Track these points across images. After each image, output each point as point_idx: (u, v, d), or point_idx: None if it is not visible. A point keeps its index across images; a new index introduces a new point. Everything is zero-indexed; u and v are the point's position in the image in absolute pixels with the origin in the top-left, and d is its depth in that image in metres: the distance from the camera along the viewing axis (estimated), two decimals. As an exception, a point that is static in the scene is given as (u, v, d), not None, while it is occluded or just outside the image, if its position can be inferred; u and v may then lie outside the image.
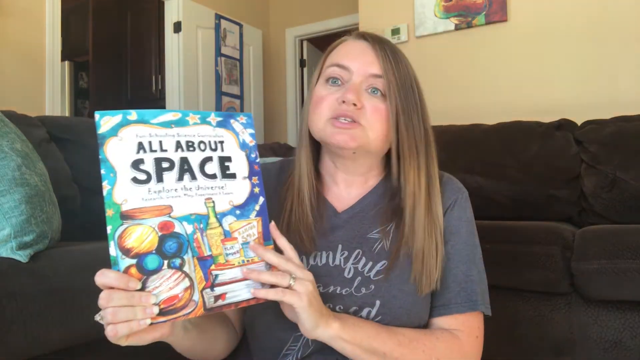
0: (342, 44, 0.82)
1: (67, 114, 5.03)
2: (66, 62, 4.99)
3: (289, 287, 0.61)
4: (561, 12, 2.55)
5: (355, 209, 0.82)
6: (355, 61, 0.77)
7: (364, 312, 0.73)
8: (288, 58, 4.73)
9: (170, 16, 3.77)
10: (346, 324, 0.67)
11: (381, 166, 0.85)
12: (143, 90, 4.63)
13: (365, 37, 0.80)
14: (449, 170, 0.87)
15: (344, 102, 0.73)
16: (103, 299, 0.53)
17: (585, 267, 1.32)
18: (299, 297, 0.60)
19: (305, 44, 4.79)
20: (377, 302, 0.73)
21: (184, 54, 3.72)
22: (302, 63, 4.77)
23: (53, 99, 2.95)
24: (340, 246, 0.78)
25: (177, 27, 3.73)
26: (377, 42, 0.78)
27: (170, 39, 3.77)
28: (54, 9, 2.96)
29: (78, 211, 1.50)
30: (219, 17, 4.01)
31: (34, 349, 0.92)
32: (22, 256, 0.95)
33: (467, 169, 1.93)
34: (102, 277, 0.53)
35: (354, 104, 0.73)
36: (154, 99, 4.55)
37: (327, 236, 0.79)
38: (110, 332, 0.53)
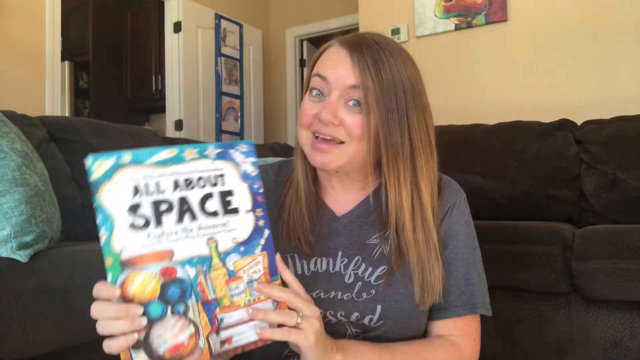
0: (327, 51, 0.78)
1: (67, 114, 5.02)
2: (66, 62, 4.98)
3: (296, 326, 0.60)
4: (561, 12, 2.55)
5: (354, 214, 0.81)
6: (334, 71, 0.73)
7: (366, 320, 0.73)
8: (288, 58, 4.73)
9: (170, 16, 3.77)
10: (348, 354, 0.66)
11: (378, 171, 0.81)
12: (143, 90, 4.64)
13: (348, 43, 0.76)
14: (450, 171, 0.86)
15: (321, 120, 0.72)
16: (92, 310, 0.54)
17: (585, 267, 1.32)
18: (306, 336, 0.59)
19: (305, 44, 4.79)
20: (379, 307, 0.73)
21: (184, 54, 3.72)
22: (302, 63, 4.77)
23: (53, 99, 2.95)
24: (340, 253, 0.78)
25: (177, 27, 3.73)
26: (356, 50, 0.73)
27: (170, 39, 3.77)
28: (54, 9, 2.96)
29: (78, 211, 1.50)
30: (219, 17, 4.01)
31: (34, 349, 0.92)
32: (22, 256, 0.95)
33: (467, 169, 1.92)
34: (94, 290, 0.54)
35: (332, 122, 0.71)
36: (154, 99, 4.56)
37: (327, 242, 0.78)
38: (104, 345, 0.53)
